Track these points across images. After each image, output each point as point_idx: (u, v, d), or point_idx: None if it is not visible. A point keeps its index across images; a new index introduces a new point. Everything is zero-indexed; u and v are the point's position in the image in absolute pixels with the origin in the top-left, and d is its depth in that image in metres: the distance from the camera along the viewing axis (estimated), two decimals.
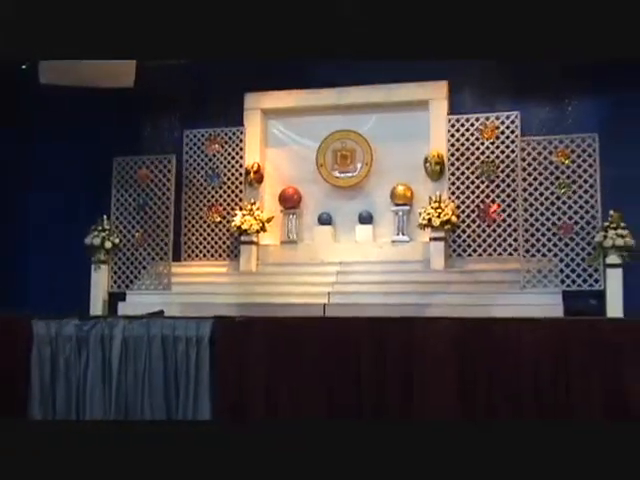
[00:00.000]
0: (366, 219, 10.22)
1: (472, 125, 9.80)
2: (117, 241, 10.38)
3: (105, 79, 9.40)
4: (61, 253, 10.35)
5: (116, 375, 4.77)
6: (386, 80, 9.97)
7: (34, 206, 11.01)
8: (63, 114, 10.48)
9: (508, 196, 9.58)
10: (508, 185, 9.58)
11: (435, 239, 9.58)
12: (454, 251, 9.73)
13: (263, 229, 10.21)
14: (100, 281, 10.28)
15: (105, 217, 10.38)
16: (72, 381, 4.84)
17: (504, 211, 9.61)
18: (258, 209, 10.25)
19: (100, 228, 10.28)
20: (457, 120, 9.88)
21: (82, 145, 10.60)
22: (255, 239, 10.25)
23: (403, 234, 9.95)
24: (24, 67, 9.15)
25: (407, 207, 10.06)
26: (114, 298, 10.18)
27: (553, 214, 9.20)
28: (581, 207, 9.12)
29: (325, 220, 10.39)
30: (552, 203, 9.22)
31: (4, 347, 5.06)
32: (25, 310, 8.13)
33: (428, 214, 9.50)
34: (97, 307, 10.06)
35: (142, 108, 10.55)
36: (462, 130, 9.84)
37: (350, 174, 10.42)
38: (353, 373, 4.91)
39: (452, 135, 9.86)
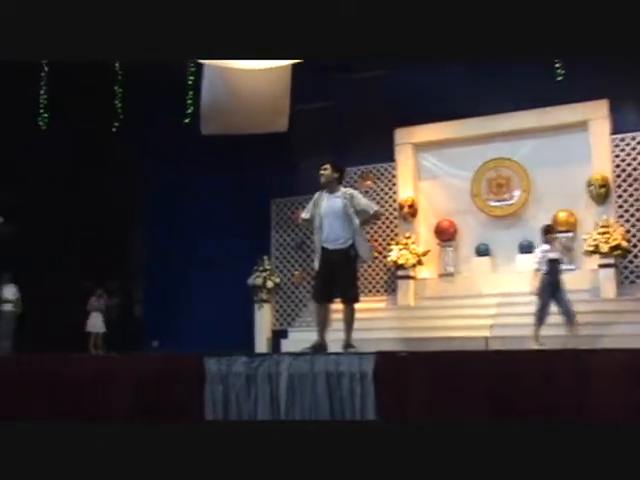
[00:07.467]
0: (527, 248, 9.84)
1: (639, 144, 9.23)
2: (278, 280, 10.69)
3: (261, 125, 9.82)
4: (225, 293, 10.79)
5: (284, 411, 4.84)
6: (538, 104, 9.65)
7: (198, 251, 11.61)
8: (223, 160, 11.02)
9: None
10: None
11: (604, 266, 9.04)
12: (626, 278, 9.14)
13: (420, 263, 10.13)
14: (263, 319, 10.61)
15: (266, 257, 10.75)
16: (244, 418, 4.96)
17: None
18: (414, 243, 10.20)
19: (262, 268, 10.65)
20: (622, 139, 9.35)
21: (241, 189, 11.09)
22: (412, 273, 10.18)
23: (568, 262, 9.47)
24: (186, 121, 9.75)
25: (570, 234, 9.59)
26: (276, 335, 10.47)
27: None
28: None
29: (483, 251, 10.14)
30: None
31: (178, 383, 5.28)
32: (195, 349, 8.55)
33: (594, 240, 9.00)
34: (261, 344, 10.37)
35: (296, 150, 10.90)
36: (628, 150, 9.29)
37: (507, 202, 10.13)
38: (520, 406, 4.67)
39: (617, 155, 9.33)
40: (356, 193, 6.53)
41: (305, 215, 6.53)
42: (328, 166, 6.39)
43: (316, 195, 6.48)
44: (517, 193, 10.05)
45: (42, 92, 9.88)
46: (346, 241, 6.22)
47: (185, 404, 5.22)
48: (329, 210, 6.27)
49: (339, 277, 6.28)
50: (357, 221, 6.23)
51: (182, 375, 5.38)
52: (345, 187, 6.62)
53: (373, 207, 6.48)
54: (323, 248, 6.26)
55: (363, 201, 6.42)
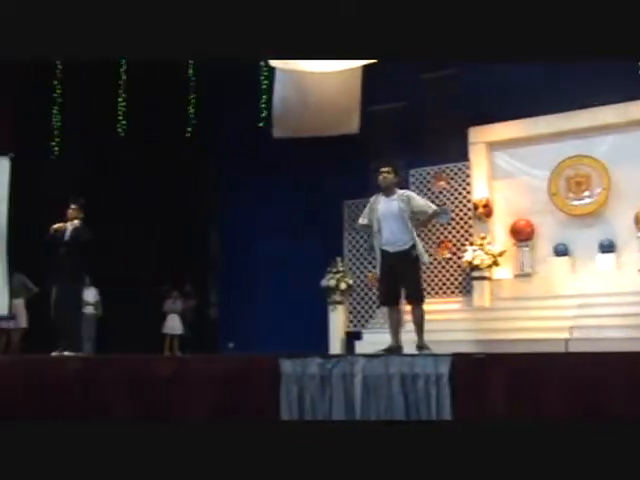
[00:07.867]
0: (608, 248, 9.52)
1: None
2: (351, 282, 10.69)
3: (332, 128, 9.85)
4: (298, 295, 10.87)
5: (359, 412, 4.83)
6: (618, 99, 9.33)
7: (271, 253, 11.73)
8: (295, 163, 11.11)
9: None
10: None
11: None
12: None
13: (495, 263, 9.94)
14: (337, 321, 10.63)
15: (339, 259, 10.76)
16: (318, 418, 4.97)
17: None
18: (489, 243, 10.02)
19: (335, 270, 10.66)
20: None
21: (313, 191, 11.16)
22: (487, 274, 9.99)
23: None
24: (261, 124, 9.88)
25: None
26: (350, 337, 10.47)
27: None
28: None
29: (561, 251, 9.86)
30: None
31: (254, 384, 5.35)
32: (270, 350, 8.64)
33: None
34: (335, 346, 10.39)
35: (368, 151, 10.87)
36: None
37: (586, 201, 9.82)
38: (599, 408, 4.51)
39: None
40: (413, 194, 6.50)
41: (363, 220, 6.50)
42: (390, 169, 6.34)
43: (372, 199, 6.45)
44: (597, 191, 9.74)
45: (120, 100, 10.18)
46: (406, 243, 6.17)
47: (261, 404, 5.28)
48: (387, 213, 6.23)
49: (403, 279, 6.26)
50: (412, 223, 6.21)
51: (258, 376, 5.44)
52: (410, 188, 6.59)
53: (432, 206, 6.43)
54: (384, 251, 6.22)
55: (421, 202, 6.38)
